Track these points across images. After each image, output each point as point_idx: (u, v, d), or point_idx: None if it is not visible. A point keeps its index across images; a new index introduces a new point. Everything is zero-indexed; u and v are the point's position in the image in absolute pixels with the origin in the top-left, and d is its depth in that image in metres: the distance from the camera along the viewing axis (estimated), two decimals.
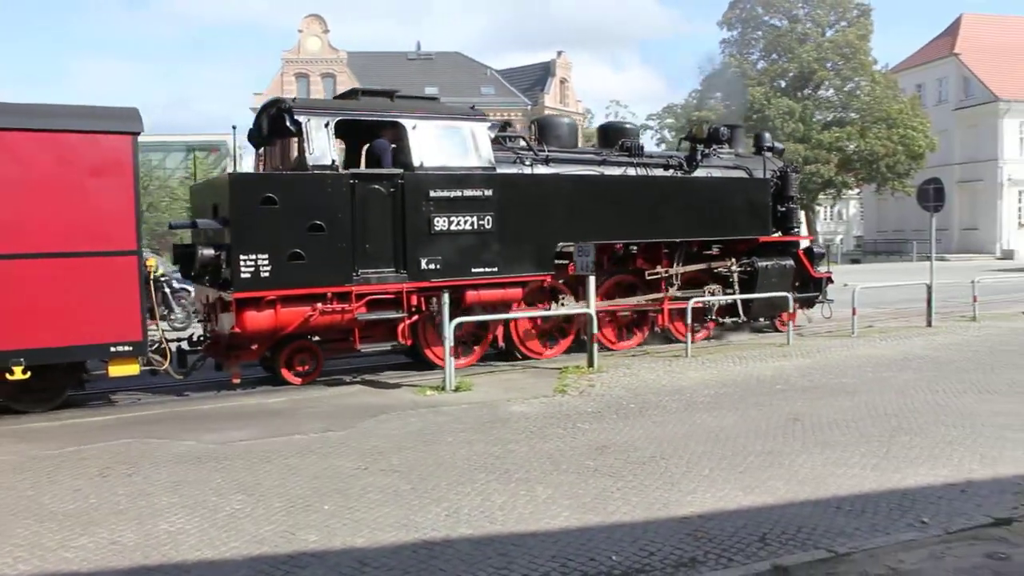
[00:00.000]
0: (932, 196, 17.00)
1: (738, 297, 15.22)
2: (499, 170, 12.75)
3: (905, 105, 49.06)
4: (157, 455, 8.18)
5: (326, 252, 11.27)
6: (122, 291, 10.12)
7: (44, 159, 9.75)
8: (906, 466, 7.32)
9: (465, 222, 12.21)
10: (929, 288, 17.19)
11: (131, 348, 10.27)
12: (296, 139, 11.83)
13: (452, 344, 11.27)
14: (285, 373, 11.92)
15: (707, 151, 15.64)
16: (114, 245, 10.07)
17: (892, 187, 50.67)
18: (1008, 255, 49.54)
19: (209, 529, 6.05)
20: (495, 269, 12.50)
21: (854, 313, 16.18)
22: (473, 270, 12.35)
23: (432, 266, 12.00)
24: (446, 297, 11.27)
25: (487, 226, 12.39)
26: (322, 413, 10.07)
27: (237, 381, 11.66)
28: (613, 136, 15.33)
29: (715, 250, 15.48)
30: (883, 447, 7.93)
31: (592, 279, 12.62)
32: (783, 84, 51.18)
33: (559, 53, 64.54)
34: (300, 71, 59.00)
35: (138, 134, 10.21)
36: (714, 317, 15.39)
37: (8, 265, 9.58)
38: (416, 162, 12.03)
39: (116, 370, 10.34)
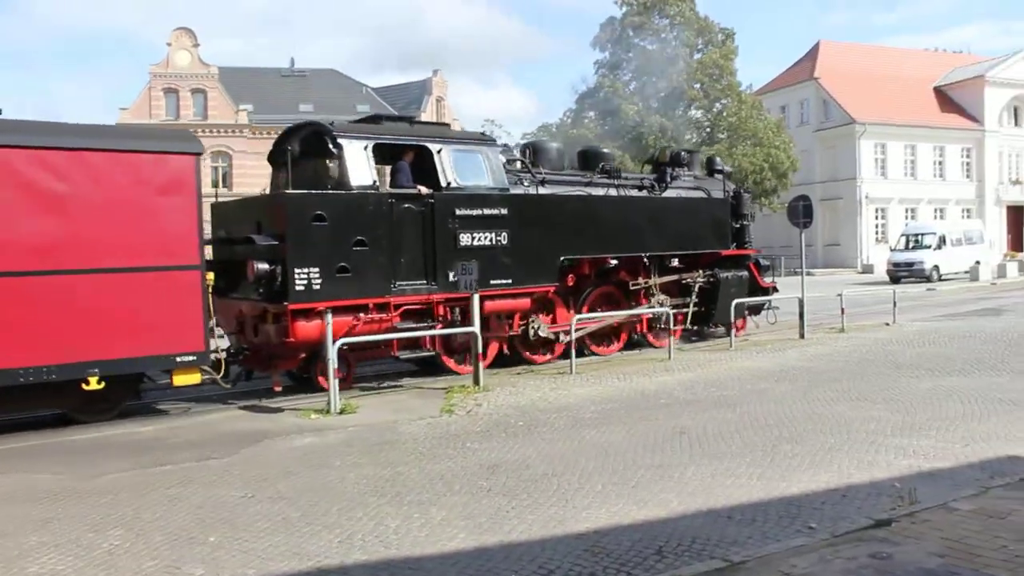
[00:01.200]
0: (801, 212, 17.74)
1: (689, 308, 17.07)
2: (510, 191, 14.28)
3: (770, 123, 51.11)
4: (20, 491, 7.71)
5: (368, 266, 12.41)
6: (186, 304, 10.95)
7: (118, 178, 10.54)
8: (790, 474, 7.57)
9: (485, 238, 13.68)
10: (801, 302, 17.93)
11: (195, 358, 11.04)
12: (336, 161, 12.78)
13: (336, 366, 11.12)
14: (321, 380, 12.38)
15: (675, 173, 17.40)
16: (179, 260, 10.90)
17: (760, 204, 52.71)
18: (868, 269, 52.13)
19: (85, 569, 5.73)
20: (509, 281, 13.99)
21: (734, 330, 16.72)
22: (491, 282, 13.66)
23: (458, 277, 13.24)
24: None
25: (503, 241, 13.85)
26: (202, 440, 9.71)
27: (279, 389, 12.38)
28: (592, 160, 16.75)
29: (676, 263, 17.05)
30: (767, 456, 8.18)
31: (477, 297, 12.73)
32: (654, 104, 52.56)
33: (435, 72, 64.65)
34: (169, 86, 57.09)
35: (200, 154, 11.16)
36: (688, 326, 17.22)
37: (84, 280, 10.28)
38: (443, 183, 13.33)
39: (180, 379, 11.02)
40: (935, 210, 58.00)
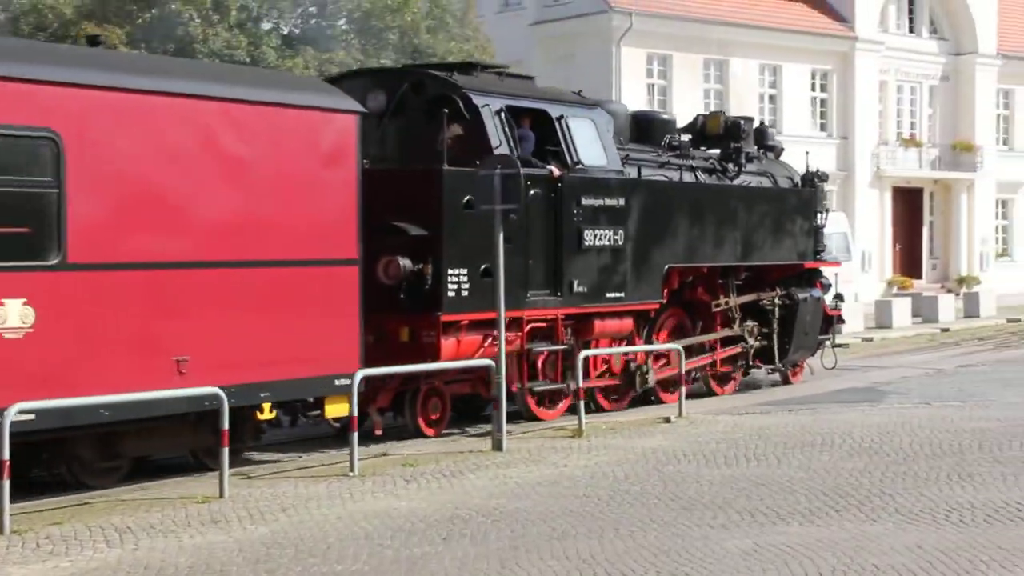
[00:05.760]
0: (500, 190, 18.28)
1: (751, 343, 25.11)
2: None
3: (444, 7, 52.16)
4: None
5: (508, 268, 17.46)
6: (344, 309, 16.45)
7: (289, 142, 15.99)
8: None
9: (604, 236, 19.73)
10: (494, 369, 18.65)
11: (350, 381, 15.95)
12: (459, 126, 18.53)
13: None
14: (422, 423, 18.64)
15: (753, 153, 25.02)
16: (337, 252, 16.26)
17: None
18: None
19: None
20: (622, 295, 20.58)
21: (355, 427, 17.05)
22: (606, 295, 20.15)
23: (581, 288, 19.62)
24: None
25: (619, 242, 20.14)
26: None
27: (380, 432, 18.08)
28: (649, 130, 23.69)
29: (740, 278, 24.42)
30: None
31: None
32: None
33: None
34: None
35: (364, 115, 16.87)
36: (750, 363, 24.82)
37: (242, 274, 15.46)
38: (569, 161, 19.48)
39: (332, 410, 16.69)
40: None
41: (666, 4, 57.71)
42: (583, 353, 19.58)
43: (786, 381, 25.73)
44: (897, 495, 14.90)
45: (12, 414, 13.06)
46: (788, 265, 25.10)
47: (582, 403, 19.66)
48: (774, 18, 61.37)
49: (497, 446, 18.42)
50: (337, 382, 15.86)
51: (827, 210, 26.70)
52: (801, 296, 24.83)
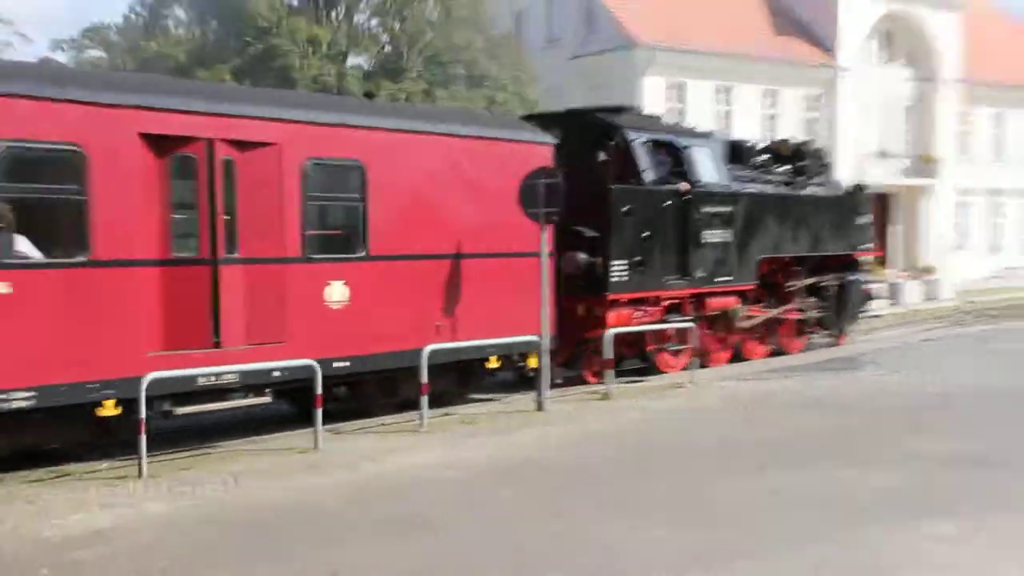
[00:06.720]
0: (544, 197, 18.32)
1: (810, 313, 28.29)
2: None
3: (495, 42, 52.25)
4: None
5: (652, 259, 22.35)
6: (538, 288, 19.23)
7: (509, 166, 19.06)
8: None
9: (717, 235, 23.82)
10: (541, 343, 18.96)
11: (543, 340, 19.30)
12: (617, 155, 21.99)
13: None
14: (587, 374, 22.25)
15: (817, 168, 28.82)
16: (534, 247, 18.90)
17: None
18: None
19: None
20: (731, 277, 24.54)
21: (425, 392, 17.19)
22: (716, 279, 24.09)
23: (700, 274, 23.55)
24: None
25: (727, 239, 24.19)
26: None
27: (594, 381, 21.65)
28: (740, 152, 26.81)
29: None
30: None
31: None
32: (293, 2, 51.71)
33: None
34: None
35: (559, 147, 20.32)
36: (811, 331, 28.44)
37: (477, 263, 18.82)
38: (694, 179, 23.35)
39: (533, 362, 19.58)
40: None
41: (681, 40, 57.80)
42: (610, 331, 20.67)
43: (835, 344, 28.94)
44: (867, 446, 15.16)
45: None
46: (842, 255, 28.68)
47: (612, 372, 20.39)
48: (772, 51, 61.10)
49: (540, 407, 18.65)
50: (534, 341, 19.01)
51: (869, 212, 30.77)
52: (850, 278, 28.83)
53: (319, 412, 15.55)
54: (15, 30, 46.07)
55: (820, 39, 63.36)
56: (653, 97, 55.96)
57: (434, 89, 50.50)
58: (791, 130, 60.78)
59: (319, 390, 15.55)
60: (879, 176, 64.18)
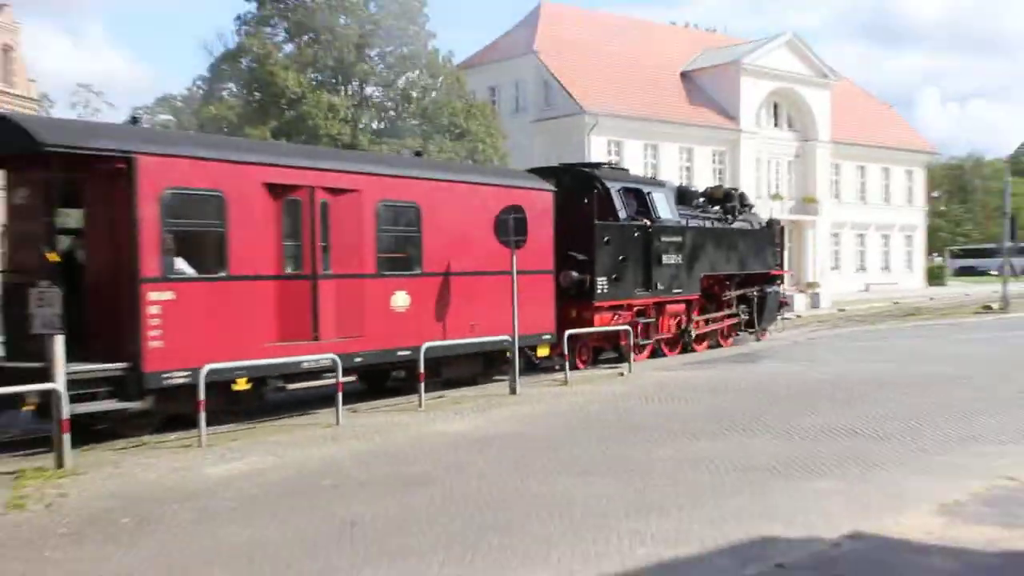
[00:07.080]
0: (512, 228, 18.53)
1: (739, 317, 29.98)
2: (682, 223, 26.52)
3: (479, 108, 52.61)
4: None
5: (626, 276, 23.96)
6: (547, 299, 21.48)
7: (533, 206, 20.46)
8: (497, 574, 7.91)
9: (672, 258, 25.33)
10: (513, 341, 18.97)
11: (551, 336, 21.50)
12: (601, 197, 23.55)
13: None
14: (578, 361, 22.78)
15: (741, 207, 30.08)
16: (543, 266, 21.38)
17: None
18: None
19: None
20: (681, 290, 25.89)
21: (421, 379, 17.26)
22: (672, 291, 25.54)
23: (661, 287, 25.00)
24: None
25: (679, 261, 25.68)
26: None
27: (582, 367, 23.13)
28: (685, 196, 28.84)
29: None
30: (467, 552, 8.53)
31: (60, 339, 12.43)
32: (319, 78, 52.16)
33: None
34: None
35: (556, 193, 22.18)
36: (745, 330, 30.00)
37: (501, 279, 19.22)
38: (654, 216, 25.04)
39: (541, 351, 21.60)
40: None
41: (619, 109, 58.45)
42: (568, 332, 20.99)
43: (759, 340, 30.37)
44: (767, 421, 15.16)
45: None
46: (762, 272, 30.07)
47: (567, 363, 20.75)
48: (688, 118, 61.86)
49: (513, 391, 18.75)
50: (544, 337, 21.21)
51: (783, 240, 33.23)
52: (769, 290, 30.36)
53: (340, 396, 15.82)
54: (105, 99, 46.28)
55: (725, 109, 63.97)
56: (597, 152, 56.57)
57: (426, 143, 50.72)
58: (704, 180, 61.68)
59: (340, 377, 15.96)
60: (773, 213, 65.13)
